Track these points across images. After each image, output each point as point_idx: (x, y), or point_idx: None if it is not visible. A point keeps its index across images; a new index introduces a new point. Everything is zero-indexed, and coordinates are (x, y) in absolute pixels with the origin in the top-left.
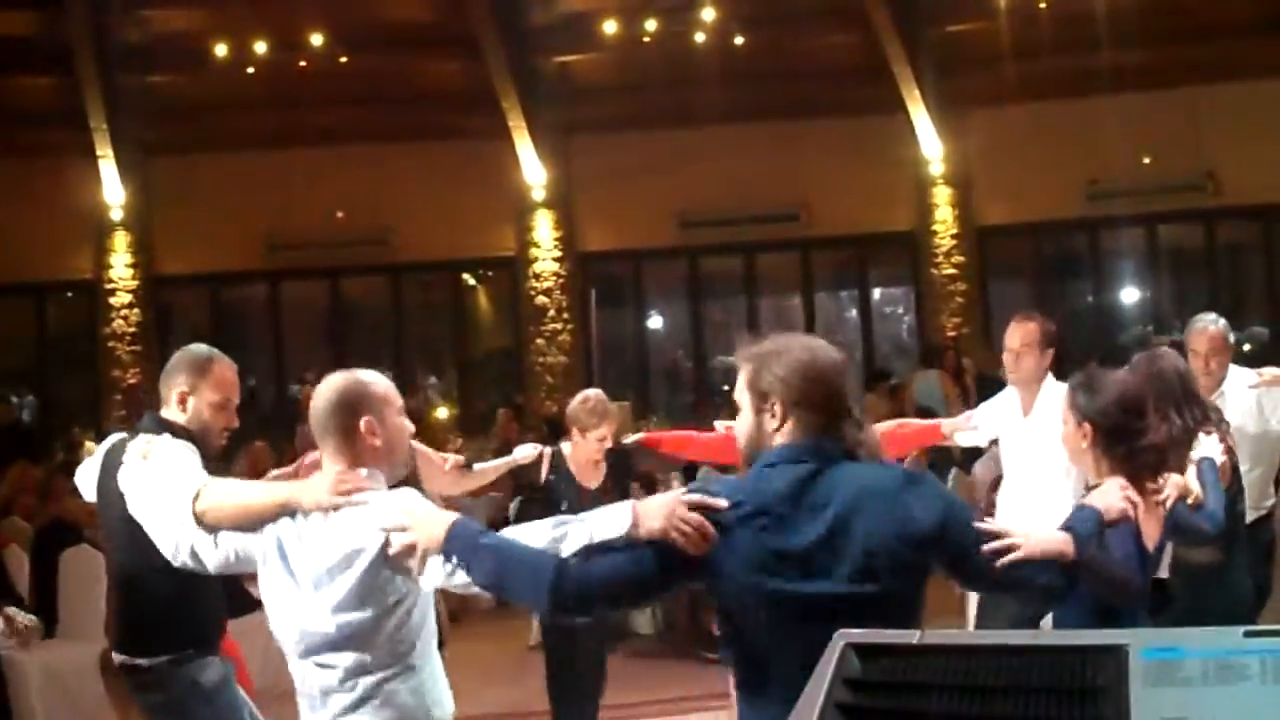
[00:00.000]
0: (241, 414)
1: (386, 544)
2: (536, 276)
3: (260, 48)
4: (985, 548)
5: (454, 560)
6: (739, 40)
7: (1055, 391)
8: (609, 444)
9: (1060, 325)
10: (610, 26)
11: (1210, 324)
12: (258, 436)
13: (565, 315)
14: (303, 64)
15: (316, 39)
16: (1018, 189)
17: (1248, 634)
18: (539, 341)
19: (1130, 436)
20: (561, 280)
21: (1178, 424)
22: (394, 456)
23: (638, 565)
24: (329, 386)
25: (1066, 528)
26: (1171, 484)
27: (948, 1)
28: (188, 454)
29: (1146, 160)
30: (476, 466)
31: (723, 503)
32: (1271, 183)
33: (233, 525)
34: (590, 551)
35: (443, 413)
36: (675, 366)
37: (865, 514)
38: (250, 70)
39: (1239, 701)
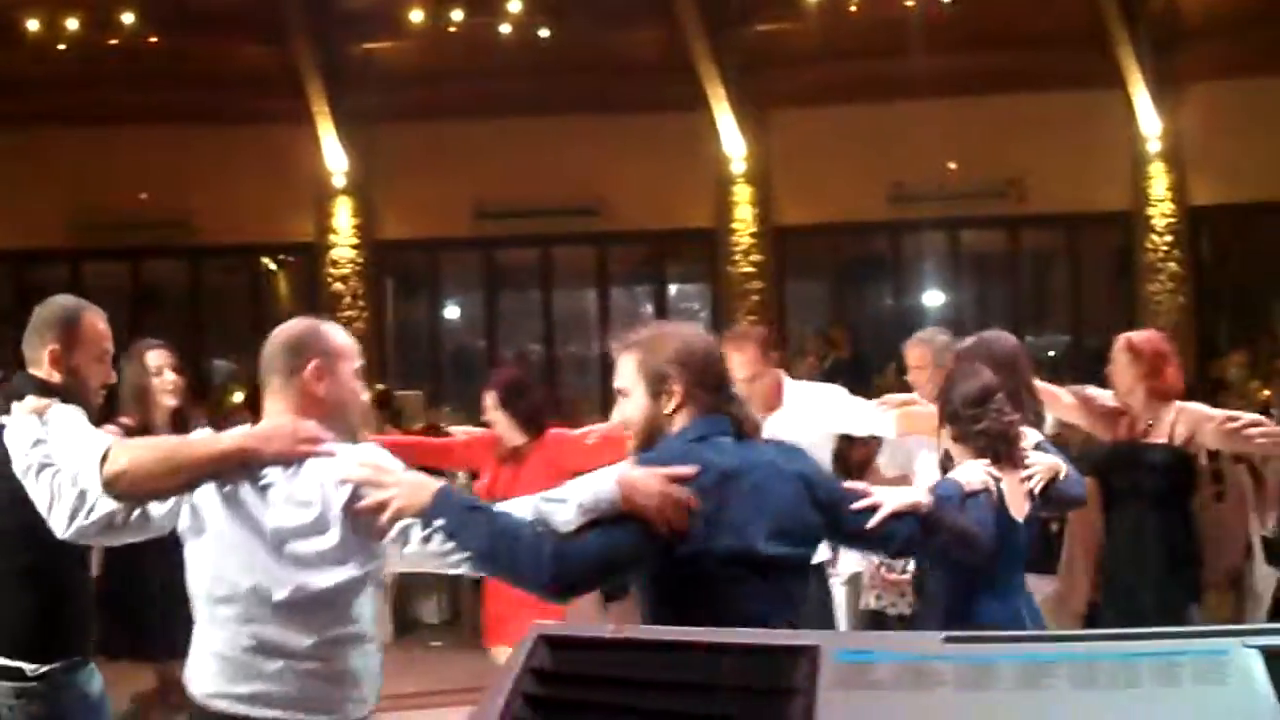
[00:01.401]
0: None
1: (354, 498)
2: (334, 263)
3: (72, 24)
4: (853, 506)
5: (436, 526)
6: (543, 33)
7: (797, 390)
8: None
9: (860, 327)
10: (416, 15)
11: (924, 340)
12: None
13: (361, 303)
14: (114, 42)
15: (128, 18)
16: (819, 190)
17: (948, 639)
18: None
19: (965, 422)
20: (358, 268)
21: (1028, 408)
22: (343, 413)
23: (631, 541)
24: (282, 330)
25: (932, 491)
26: (1043, 468)
27: (756, 0)
28: (82, 419)
29: (951, 166)
30: None
31: (691, 470)
32: (1075, 192)
33: (156, 485)
34: (581, 527)
35: (238, 396)
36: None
37: (780, 485)
38: (61, 47)
39: (930, 708)
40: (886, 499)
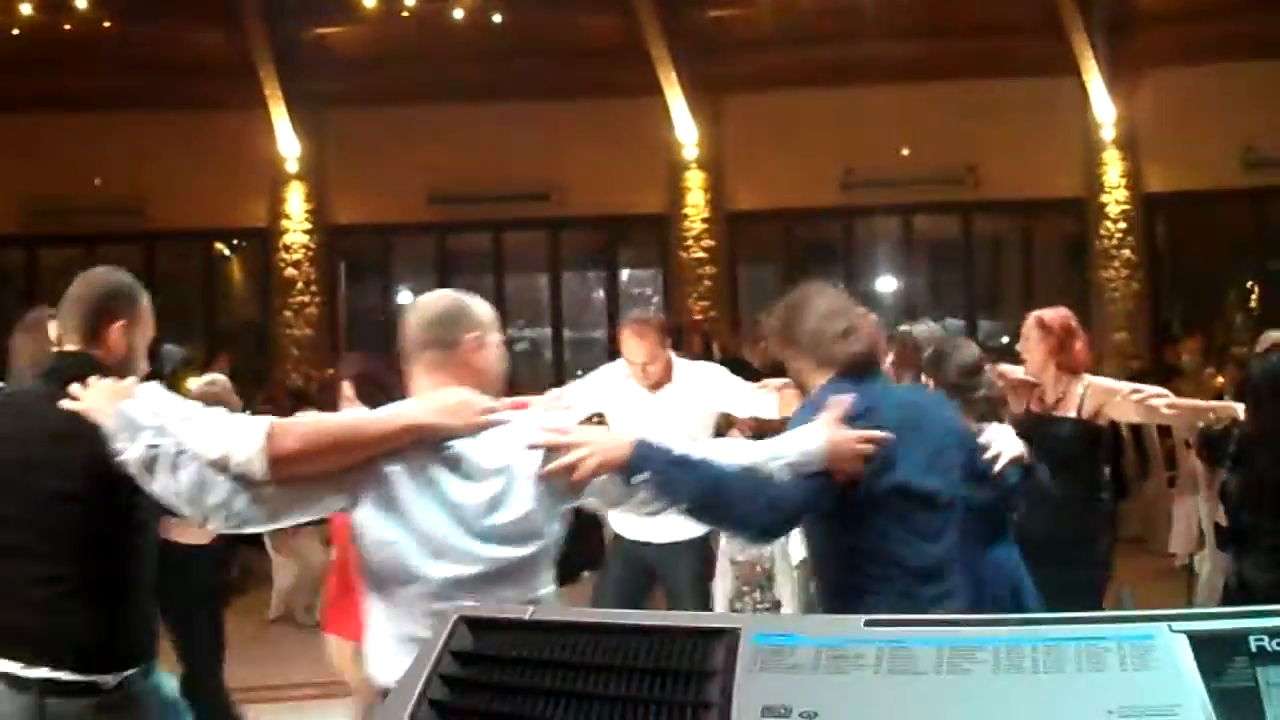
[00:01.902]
0: None
1: (545, 462)
2: (286, 248)
3: (25, 9)
4: (986, 455)
5: (639, 480)
6: (497, 18)
7: (685, 369)
8: None
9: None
10: (369, 0)
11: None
12: None
13: (314, 288)
14: (67, 28)
15: (81, 2)
16: (772, 175)
17: (869, 623)
18: (286, 314)
19: (966, 390)
20: (311, 253)
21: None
22: (493, 384)
23: (824, 489)
24: (427, 303)
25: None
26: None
27: None
28: (176, 397)
29: (905, 152)
30: None
31: (887, 436)
32: (1029, 178)
33: (326, 465)
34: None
35: (192, 382)
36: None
37: (935, 426)
38: (15, 32)
39: (849, 691)
40: (1004, 448)
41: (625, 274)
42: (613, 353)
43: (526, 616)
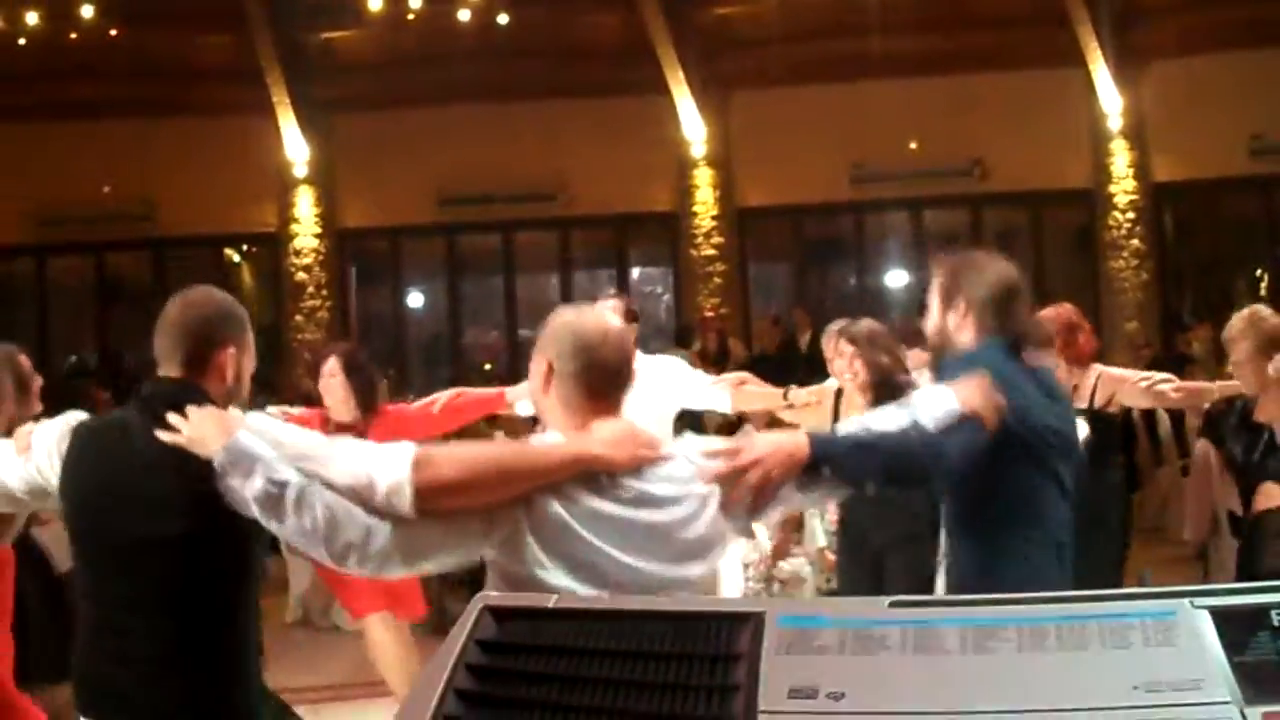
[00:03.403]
0: None
1: (725, 491)
2: (297, 253)
3: (32, 18)
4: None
5: (823, 474)
6: (502, 19)
7: (644, 362)
8: None
9: (824, 308)
10: (375, 3)
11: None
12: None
13: (325, 292)
14: (74, 36)
15: (88, 11)
16: (781, 171)
17: (893, 604)
18: (298, 318)
19: None
20: (321, 257)
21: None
22: None
23: (977, 434)
24: (612, 338)
25: None
26: None
27: None
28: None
29: (913, 145)
30: None
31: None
32: (1037, 170)
33: (481, 498)
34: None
35: None
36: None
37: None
38: (22, 42)
39: (875, 671)
40: None
41: (635, 272)
42: None
43: (550, 604)
